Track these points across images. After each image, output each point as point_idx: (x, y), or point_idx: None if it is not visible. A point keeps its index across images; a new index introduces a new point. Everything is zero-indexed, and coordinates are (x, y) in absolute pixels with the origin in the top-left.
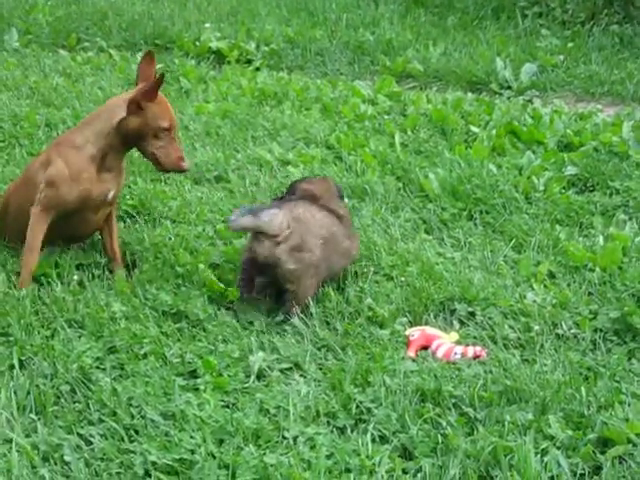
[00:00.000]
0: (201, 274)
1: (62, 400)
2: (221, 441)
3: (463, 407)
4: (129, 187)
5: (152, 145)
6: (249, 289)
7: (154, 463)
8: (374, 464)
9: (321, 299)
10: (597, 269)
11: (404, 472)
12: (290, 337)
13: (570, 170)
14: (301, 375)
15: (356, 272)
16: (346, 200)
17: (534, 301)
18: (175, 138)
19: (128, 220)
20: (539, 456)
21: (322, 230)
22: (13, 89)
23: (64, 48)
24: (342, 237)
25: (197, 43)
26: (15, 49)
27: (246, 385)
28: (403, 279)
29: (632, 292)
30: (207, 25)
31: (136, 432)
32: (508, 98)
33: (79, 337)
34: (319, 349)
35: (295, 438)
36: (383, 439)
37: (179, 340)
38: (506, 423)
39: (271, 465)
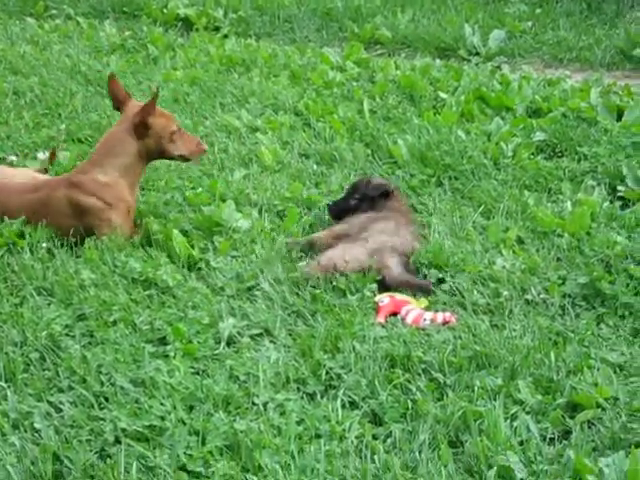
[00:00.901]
0: (172, 241)
1: (31, 368)
2: (191, 408)
3: (433, 373)
4: None
5: (174, 149)
6: None
7: (124, 430)
8: (344, 430)
9: (290, 267)
10: (565, 235)
11: (374, 438)
12: (260, 303)
13: (539, 136)
14: (271, 341)
15: None
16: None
17: (503, 267)
18: (183, 130)
19: None
20: (509, 421)
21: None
22: None
23: (31, 16)
24: None
25: (165, 10)
26: None
27: (216, 352)
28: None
29: (600, 257)
30: None
31: (106, 399)
32: (476, 64)
33: (48, 305)
34: (289, 315)
35: (265, 404)
36: (353, 405)
37: (149, 307)
38: (476, 388)
39: (241, 431)
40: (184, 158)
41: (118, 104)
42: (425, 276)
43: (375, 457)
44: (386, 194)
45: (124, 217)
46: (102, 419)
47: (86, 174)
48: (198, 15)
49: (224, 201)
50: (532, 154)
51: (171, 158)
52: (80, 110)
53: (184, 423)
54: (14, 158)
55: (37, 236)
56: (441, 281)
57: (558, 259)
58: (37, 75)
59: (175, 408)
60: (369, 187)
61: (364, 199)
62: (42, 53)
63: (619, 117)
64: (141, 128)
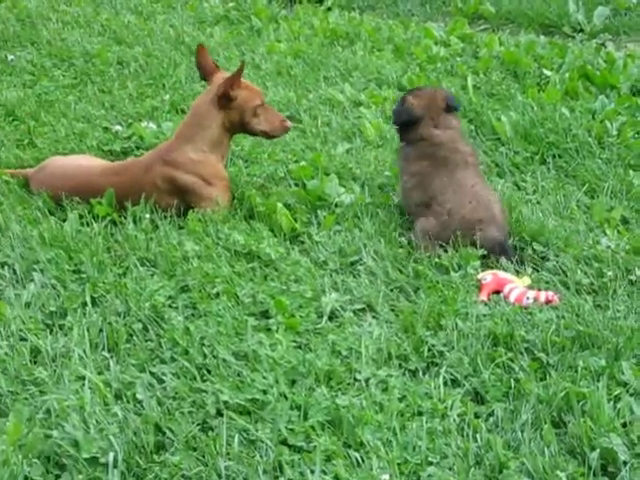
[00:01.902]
0: (275, 214)
1: (134, 338)
2: (293, 382)
3: (535, 352)
4: None
5: (257, 123)
6: None
7: (226, 402)
8: (446, 407)
9: (393, 242)
10: None
11: (476, 416)
12: (363, 277)
13: None
14: (373, 317)
15: None
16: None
17: (607, 247)
18: (268, 106)
19: None
20: (612, 402)
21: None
22: (85, 26)
23: None
24: None
25: None
26: None
27: (318, 326)
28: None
29: None
30: None
31: (208, 371)
32: (581, 41)
33: (151, 276)
34: (391, 290)
35: (367, 380)
36: (455, 383)
37: (251, 280)
38: (579, 369)
39: (343, 407)
40: (266, 134)
41: (206, 75)
42: (527, 255)
43: (477, 436)
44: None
45: (223, 192)
46: (204, 391)
47: (177, 151)
48: None
49: (327, 175)
50: (637, 133)
51: (253, 133)
52: (184, 81)
53: (286, 397)
54: (119, 128)
55: (140, 207)
56: (544, 259)
57: None
58: (141, 45)
59: (277, 382)
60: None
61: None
62: (146, 23)
63: None
64: (224, 99)
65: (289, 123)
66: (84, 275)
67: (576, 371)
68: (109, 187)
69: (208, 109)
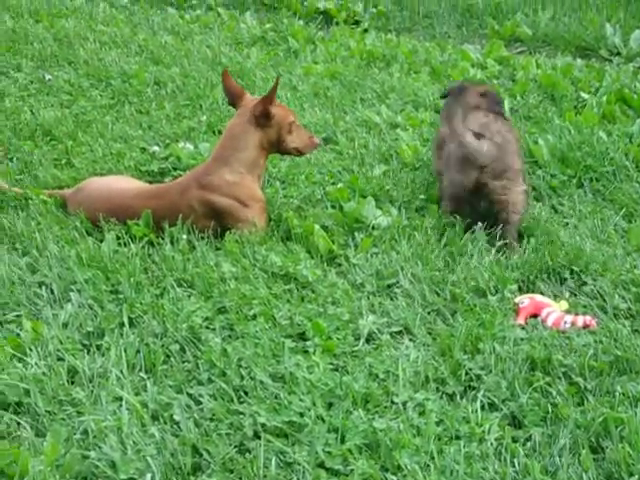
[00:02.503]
0: (312, 236)
1: (171, 359)
2: (330, 404)
3: (573, 376)
4: None
5: (291, 141)
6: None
7: (263, 425)
8: (483, 432)
9: (430, 265)
10: None
11: (514, 440)
12: (400, 300)
13: None
14: (410, 339)
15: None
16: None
17: None
18: (297, 123)
19: None
20: None
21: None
22: (122, 46)
23: (172, 6)
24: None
25: (305, 3)
26: (124, 6)
27: (355, 348)
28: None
29: None
30: None
31: (245, 393)
32: (618, 65)
33: (189, 297)
34: (429, 313)
35: (404, 403)
36: (492, 407)
37: (288, 302)
38: (617, 394)
39: (380, 430)
40: (298, 151)
41: (234, 99)
42: (564, 280)
43: (514, 460)
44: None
45: (260, 214)
46: (241, 413)
47: (214, 174)
48: (338, 9)
49: (364, 197)
50: None
51: (286, 151)
52: (220, 102)
53: (323, 420)
54: (156, 149)
55: (177, 228)
56: (582, 284)
57: None
58: (178, 65)
59: (314, 404)
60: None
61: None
62: (183, 43)
63: None
64: (263, 117)
65: (317, 139)
66: (121, 296)
67: (614, 396)
68: (145, 210)
69: (245, 130)
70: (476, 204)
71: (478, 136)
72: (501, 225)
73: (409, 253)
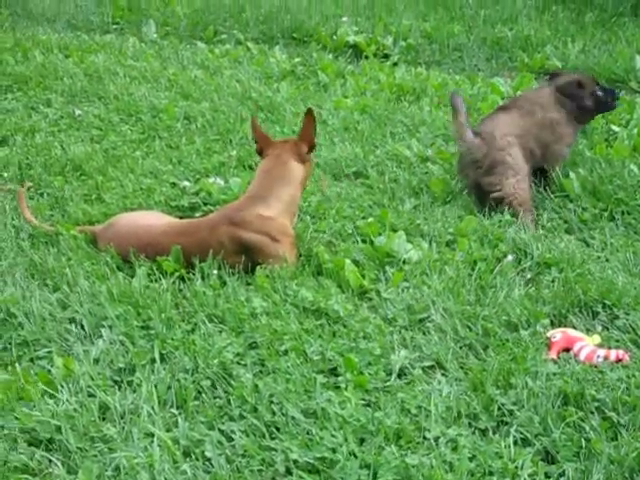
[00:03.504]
0: (343, 270)
1: (203, 395)
2: (362, 440)
3: (606, 411)
4: None
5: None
6: None
7: (295, 461)
8: (516, 467)
9: (461, 299)
10: None
11: (547, 476)
12: (432, 334)
13: None
14: (443, 374)
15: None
16: None
17: None
18: None
19: None
20: None
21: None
22: (152, 81)
23: (201, 40)
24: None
25: (334, 37)
26: (153, 41)
27: (387, 384)
28: (549, 279)
29: None
30: (344, 19)
31: (277, 429)
32: None
33: (219, 332)
34: (460, 348)
35: (437, 439)
36: (525, 442)
37: (320, 337)
38: None
39: (413, 466)
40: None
41: (262, 147)
42: (596, 314)
43: None
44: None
45: (290, 250)
46: (273, 449)
47: (248, 210)
48: (367, 42)
49: (395, 231)
50: None
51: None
52: (250, 137)
53: (355, 456)
54: (187, 184)
55: (208, 264)
56: (615, 318)
57: None
58: (208, 100)
59: (346, 440)
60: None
61: None
62: (212, 78)
63: None
64: (308, 155)
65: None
66: (152, 331)
67: None
68: (175, 246)
69: (291, 167)
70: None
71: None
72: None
73: (440, 287)
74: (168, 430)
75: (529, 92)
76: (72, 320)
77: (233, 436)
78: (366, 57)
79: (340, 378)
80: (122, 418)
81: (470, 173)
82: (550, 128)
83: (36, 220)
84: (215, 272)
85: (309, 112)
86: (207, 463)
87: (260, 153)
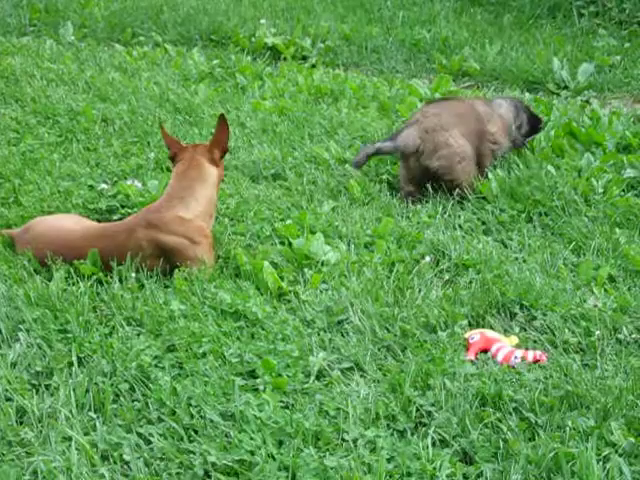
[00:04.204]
0: (262, 272)
1: (121, 398)
2: (281, 442)
3: (524, 412)
4: None
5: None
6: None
7: (214, 464)
8: (435, 468)
9: (380, 301)
10: None
11: (465, 477)
12: (351, 336)
13: (629, 172)
14: (361, 375)
15: (417, 272)
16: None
17: (594, 305)
18: None
19: None
20: (601, 463)
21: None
22: (69, 83)
23: (119, 42)
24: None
25: (253, 39)
26: (70, 43)
27: (306, 385)
28: (467, 281)
29: None
30: (262, 21)
31: (195, 432)
32: (565, 98)
33: (138, 335)
34: (379, 349)
35: (355, 441)
36: (443, 443)
37: (238, 339)
38: (567, 429)
39: (331, 467)
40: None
41: (174, 152)
42: (514, 315)
43: None
44: None
45: (209, 252)
46: (192, 452)
47: (166, 212)
48: (286, 44)
49: (313, 233)
50: (623, 191)
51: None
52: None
53: (274, 458)
54: (105, 186)
55: (126, 267)
56: (532, 318)
57: None
58: (126, 102)
59: (265, 443)
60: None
61: None
62: (130, 80)
63: None
64: (223, 154)
65: None
66: (70, 335)
67: (565, 431)
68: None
69: (205, 170)
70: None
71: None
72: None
73: (359, 289)
74: (86, 434)
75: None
76: None
77: (151, 439)
78: (284, 59)
79: (258, 380)
80: (40, 422)
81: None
82: None
83: None
84: (133, 275)
85: (221, 117)
86: (125, 466)
87: (172, 158)
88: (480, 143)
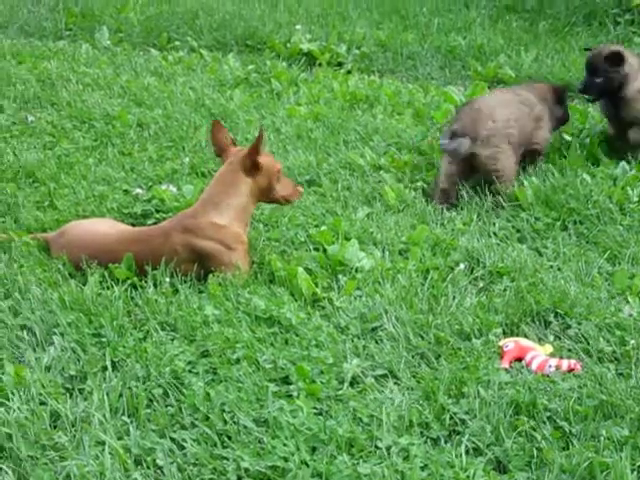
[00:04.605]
0: (296, 278)
1: (155, 403)
2: (314, 449)
3: (558, 421)
4: None
5: (279, 189)
6: (445, 200)
7: (247, 470)
8: (468, 477)
9: (414, 308)
10: None
11: None
12: (385, 343)
13: None
14: (395, 383)
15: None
16: None
17: (630, 315)
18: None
19: None
20: (635, 473)
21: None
22: (105, 88)
23: (155, 47)
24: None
25: (288, 45)
26: (106, 47)
27: (339, 392)
28: (501, 289)
29: None
30: (298, 27)
31: (229, 438)
32: None
33: (172, 340)
34: (413, 357)
35: (389, 448)
36: (477, 451)
37: (272, 345)
38: (602, 438)
39: (365, 475)
40: (286, 200)
41: (220, 150)
42: (549, 323)
43: None
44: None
45: (244, 258)
46: (225, 458)
47: (201, 217)
48: (321, 50)
49: (348, 239)
50: None
51: (274, 199)
52: (204, 143)
53: (307, 465)
54: (139, 191)
55: (161, 271)
56: (566, 327)
57: None
58: (161, 107)
59: (298, 449)
60: None
61: None
62: (166, 85)
63: None
64: (253, 168)
65: (301, 188)
66: (104, 339)
67: (599, 440)
68: (127, 253)
69: (236, 178)
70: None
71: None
72: None
73: (393, 296)
74: (119, 438)
75: None
76: (24, 327)
77: (184, 444)
78: (319, 65)
79: (292, 386)
80: (73, 426)
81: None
82: None
83: None
84: (167, 280)
85: (260, 130)
86: (158, 471)
87: (219, 156)
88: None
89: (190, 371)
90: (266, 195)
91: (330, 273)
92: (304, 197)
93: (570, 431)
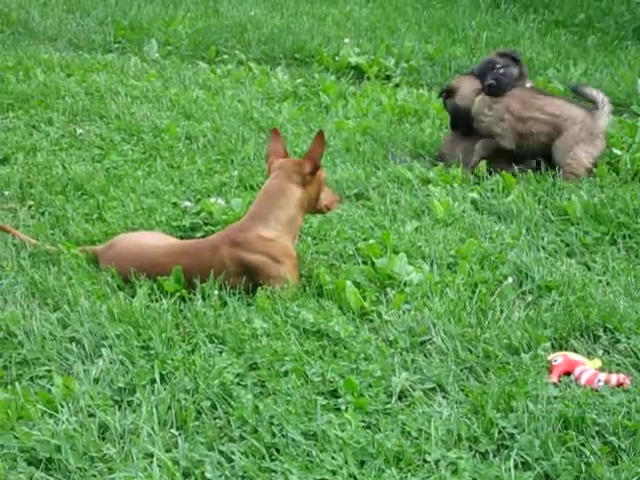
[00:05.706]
0: (344, 292)
1: (203, 416)
2: (362, 463)
3: (607, 435)
4: None
5: (323, 199)
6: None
7: None
8: None
9: (462, 322)
10: None
11: None
12: (433, 357)
13: None
14: (443, 397)
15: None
16: None
17: None
18: None
19: None
20: None
21: None
22: (154, 101)
23: (203, 60)
24: None
25: (336, 58)
26: (155, 60)
27: (388, 406)
28: (550, 303)
29: None
30: (346, 40)
31: (277, 451)
32: None
33: (220, 353)
34: (461, 370)
35: (437, 462)
36: (526, 466)
37: (320, 358)
38: None
39: None
40: (327, 209)
41: (270, 160)
42: (597, 337)
43: None
44: None
45: (292, 271)
46: (273, 471)
47: (249, 231)
48: (369, 64)
49: (396, 253)
50: None
51: (318, 210)
52: (252, 157)
53: (355, 478)
54: (188, 204)
55: (209, 284)
56: (616, 341)
57: None
58: (209, 120)
59: (346, 463)
60: None
61: None
62: (214, 98)
63: None
64: (310, 177)
65: (338, 196)
66: (153, 351)
67: None
68: (176, 266)
69: (288, 188)
70: None
71: None
72: None
73: (441, 309)
74: (168, 450)
75: None
76: (72, 339)
77: (233, 457)
78: (368, 78)
79: (340, 400)
80: (122, 438)
81: None
82: None
83: (34, 240)
84: (216, 292)
85: (319, 133)
86: None
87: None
88: None
89: (238, 384)
90: (313, 205)
91: (378, 287)
92: (352, 210)
93: (619, 446)
